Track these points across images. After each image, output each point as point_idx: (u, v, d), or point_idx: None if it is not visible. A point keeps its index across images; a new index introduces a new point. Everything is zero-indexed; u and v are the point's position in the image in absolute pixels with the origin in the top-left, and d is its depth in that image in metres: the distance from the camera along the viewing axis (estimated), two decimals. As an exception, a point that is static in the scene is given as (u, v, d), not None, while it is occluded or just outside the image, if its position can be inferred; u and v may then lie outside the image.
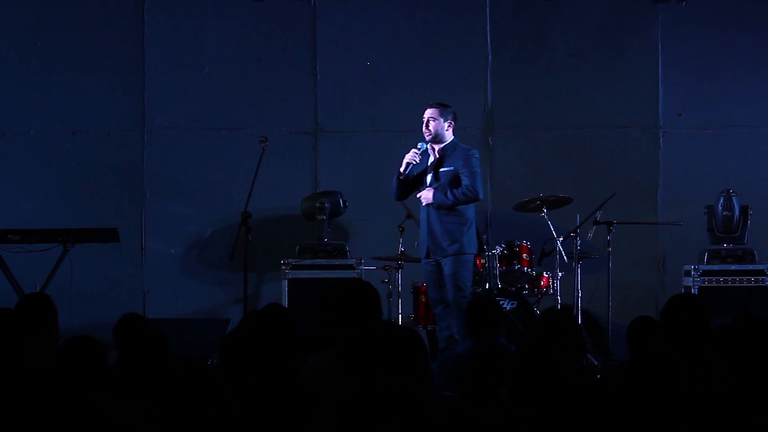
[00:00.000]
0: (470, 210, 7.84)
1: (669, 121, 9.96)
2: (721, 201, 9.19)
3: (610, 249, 8.82)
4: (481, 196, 7.79)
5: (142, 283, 9.92)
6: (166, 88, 9.95)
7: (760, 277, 9.04)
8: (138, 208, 9.93)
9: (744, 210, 9.20)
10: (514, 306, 8.41)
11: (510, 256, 8.72)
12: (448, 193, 7.69)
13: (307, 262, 9.06)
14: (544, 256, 8.85)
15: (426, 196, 7.77)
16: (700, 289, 8.98)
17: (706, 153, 9.93)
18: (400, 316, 8.71)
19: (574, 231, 8.73)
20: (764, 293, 9.00)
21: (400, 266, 8.67)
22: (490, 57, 9.97)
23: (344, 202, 9.26)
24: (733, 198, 9.19)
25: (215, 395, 3.52)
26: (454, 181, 7.76)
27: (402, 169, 7.83)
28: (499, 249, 8.68)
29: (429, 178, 7.84)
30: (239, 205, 8.22)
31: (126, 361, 4.52)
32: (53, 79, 9.90)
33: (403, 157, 7.85)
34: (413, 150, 7.79)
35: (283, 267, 9.02)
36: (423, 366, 3.59)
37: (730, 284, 9.04)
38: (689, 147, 9.93)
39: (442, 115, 7.84)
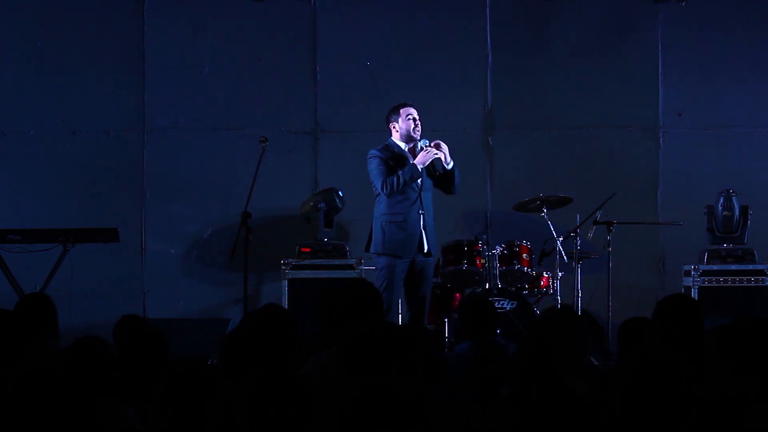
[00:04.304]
0: None
1: (669, 121, 9.95)
2: (721, 201, 9.19)
3: (610, 249, 8.81)
4: None
5: (142, 283, 9.92)
6: (166, 88, 9.95)
7: (760, 277, 9.03)
8: (138, 208, 9.92)
9: (744, 210, 9.19)
10: (514, 306, 8.40)
11: (510, 256, 8.71)
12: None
13: (307, 262, 9.06)
14: (544, 256, 8.85)
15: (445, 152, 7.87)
16: (700, 289, 8.97)
17: (706, 153, 9.92)
18: (400, 316, 8.69)
19: (574, 231, 8.73)
20: (764, 293, 8.99)
21: (401, 266, 8.65)
22: (490, 57, 9.97)
23: (341, 197, 9.25)
24: (733, 198, 9.18)
25: (215, 395, 3.52)
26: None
27: (423, 164, 7.87)
28: (499, 249, 8.67)
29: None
30: (239, 205, 8.21)
31: (126, 361, 4.52)
32: (53, 79, 9.89)
33: (414, 158, 7.93)
34: (428, 147, 7.89)
35: (283, 267, 9.01)
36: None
37: (730, 284, 9.03)
38: (689, 147, 9.93)
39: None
